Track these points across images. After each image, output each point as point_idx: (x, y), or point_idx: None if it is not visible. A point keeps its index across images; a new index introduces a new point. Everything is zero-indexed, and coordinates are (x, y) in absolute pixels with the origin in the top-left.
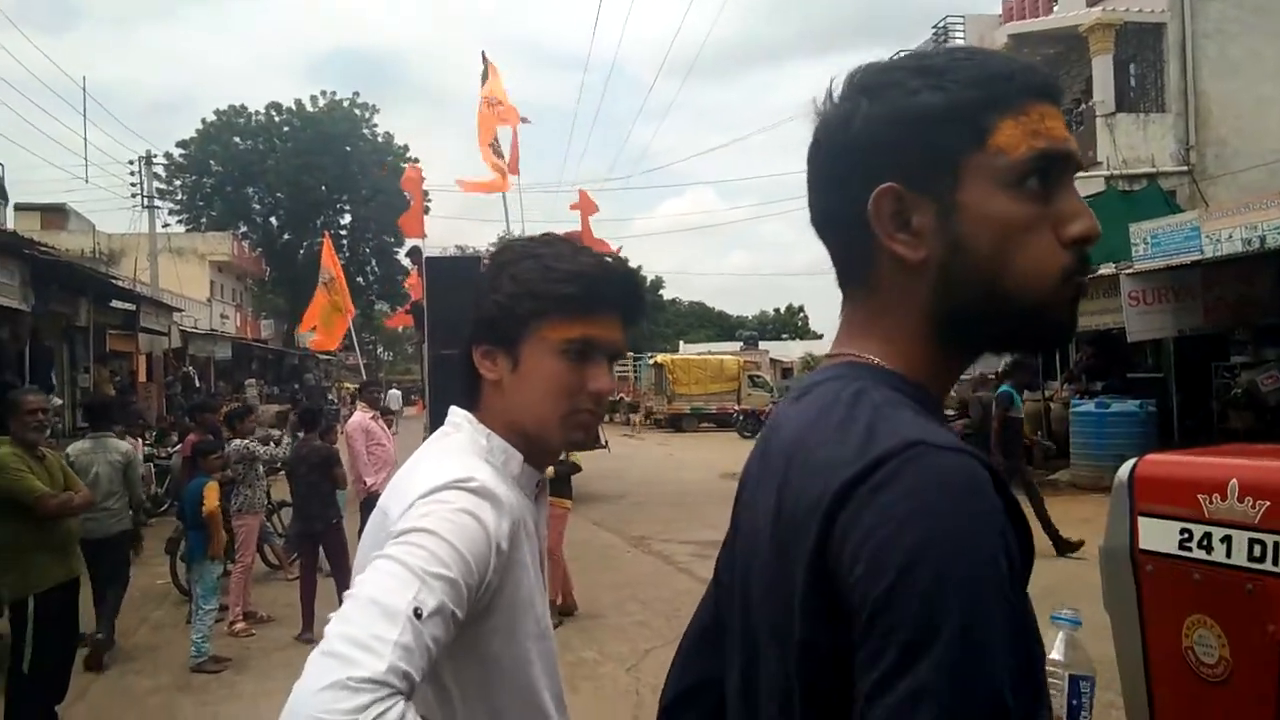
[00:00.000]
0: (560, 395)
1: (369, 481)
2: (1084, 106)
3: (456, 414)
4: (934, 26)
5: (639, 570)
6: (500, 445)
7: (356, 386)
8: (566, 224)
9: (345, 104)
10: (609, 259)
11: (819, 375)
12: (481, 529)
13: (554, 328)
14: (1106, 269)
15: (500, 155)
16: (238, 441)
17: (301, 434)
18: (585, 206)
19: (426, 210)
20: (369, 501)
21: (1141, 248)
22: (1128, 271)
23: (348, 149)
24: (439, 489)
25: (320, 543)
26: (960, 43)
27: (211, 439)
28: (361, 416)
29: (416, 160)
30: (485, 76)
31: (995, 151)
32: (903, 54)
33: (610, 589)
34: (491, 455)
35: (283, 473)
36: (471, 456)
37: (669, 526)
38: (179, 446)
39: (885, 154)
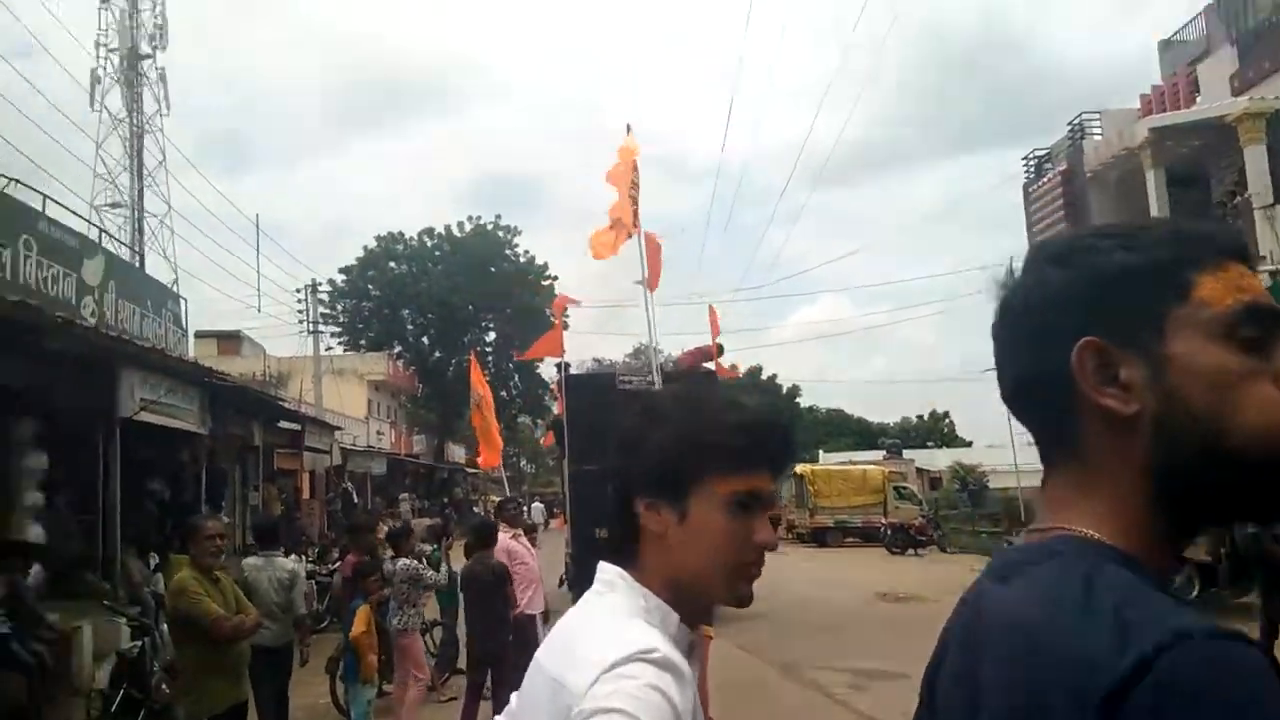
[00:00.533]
0: (730, 549)
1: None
2: (1239, 199)
3: (608, 570)
4: (1069, 124)
5: (792, 703)
6: (657, 605)
7: (496, 502)
8: (699, 335)
9: (489, 227)
10: (767, 407)
11: (1028, 554)
12: (670, 706)
13: (723, 480)
14: None
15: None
16: (403, 562)
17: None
18: (713, 323)
19: (566, 326)
20: (516, 624)
21: None
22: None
23: (492, 270)
24: (623, 662)
25: (492, 665)
26: (1098, 139)
27: (370, 559)
28: (503, 536)
29: (556, 277)
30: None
31: (1199, 304)
32: (1085, 230)
33: None
34: (650, 616)
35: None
36: (640, 621)
37: (822, 652)
38: (339, 564)
39: (1084, 312)
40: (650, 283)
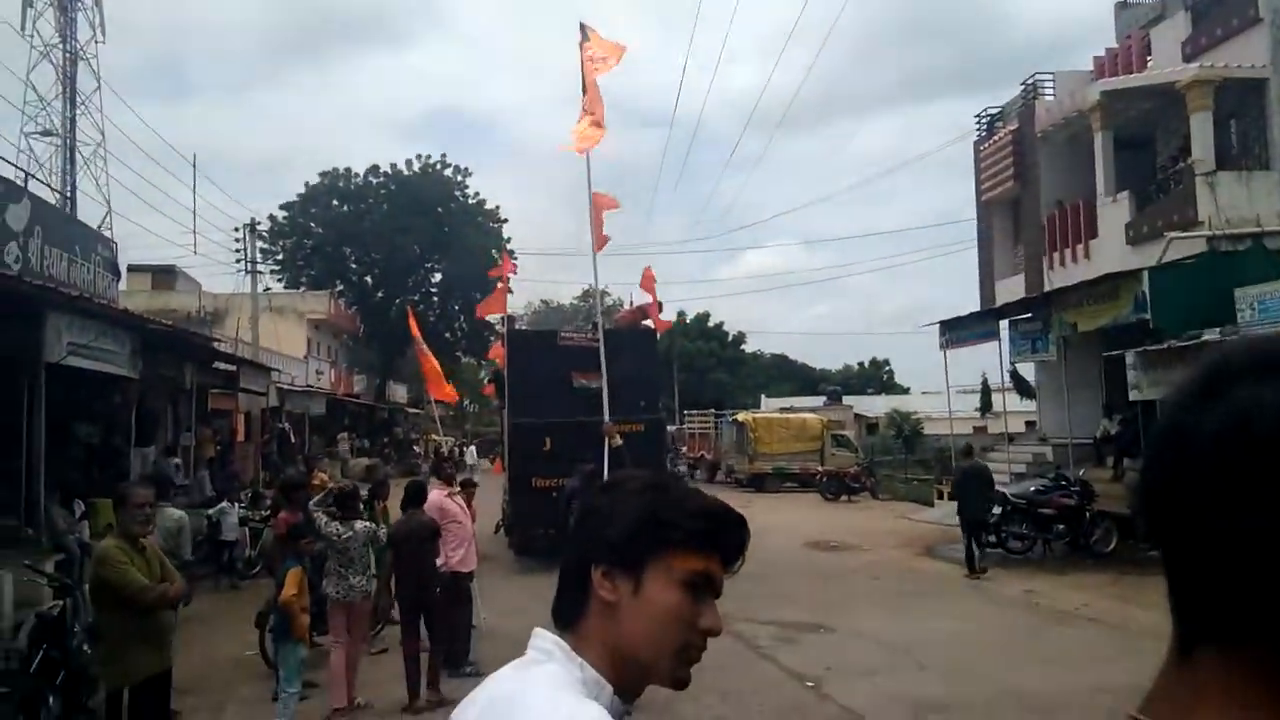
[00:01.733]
0: (679, 627)
1: (438, 561)
2: (1182, 164)
3: (545, 639)
4: (1023, 83)
5: (718, 653)
6: (594, 677)
7: (434, 455)
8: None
9: (438, 166)
10: (724, 504)
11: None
12: None
13: (682, 558)
14: (1210, 334)
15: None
16: (361, 524)
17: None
18: (649, 285)
19: (510, 291)
20: (447, 580)
21: (1248, 313)
22: (1233, 338)
23: (440, 210)
24: None
25: (424, 613)
26: (1050, 99)
27: (304, 520)
28: (438, 494)
29: (506, 220)
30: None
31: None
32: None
33: None
34: (587, 688)
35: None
36: (578, 693)
37: (749, 603)
38: (269, 515)
39: None
40: (596, 244)
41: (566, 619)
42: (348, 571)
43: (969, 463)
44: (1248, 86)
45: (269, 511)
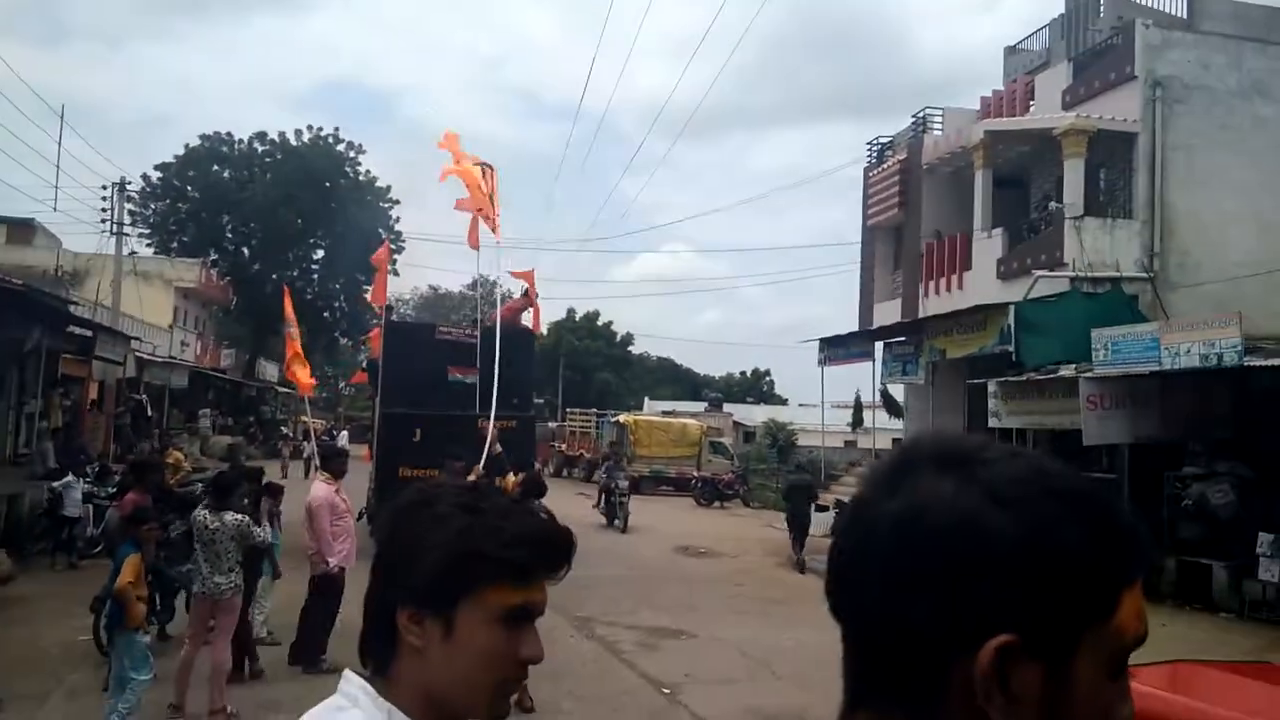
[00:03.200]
0: (497, 665)
1: (331, 561)
2: (1053, 207)
3: (352, 683)
4: (914, 116)
5: (579, 658)
6: None
7: (320, 453)
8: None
9: (330, 140)
10: (551, 520)
11: None
12: None
13: (498, 593)
14: (1067, 370)
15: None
16: (231, 516)
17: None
18: (530, 283)
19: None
20: (325, 580)
21: (1102, 353)
22: (1087, 375)
23: (328, 185)
24: None
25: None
26: (939, 134)
27: (146, 507)
28: (327, 490)
29: (398, 201)
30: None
31: None
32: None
33: (547, 679)
34: None
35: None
36: None
37: (616, 606)
38: (117, 493)
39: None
40: (470, 241)
41: (375, 659)
42: (212, 567)
43: (796, 476)
44: (1118, 139)
45: (116, 489)
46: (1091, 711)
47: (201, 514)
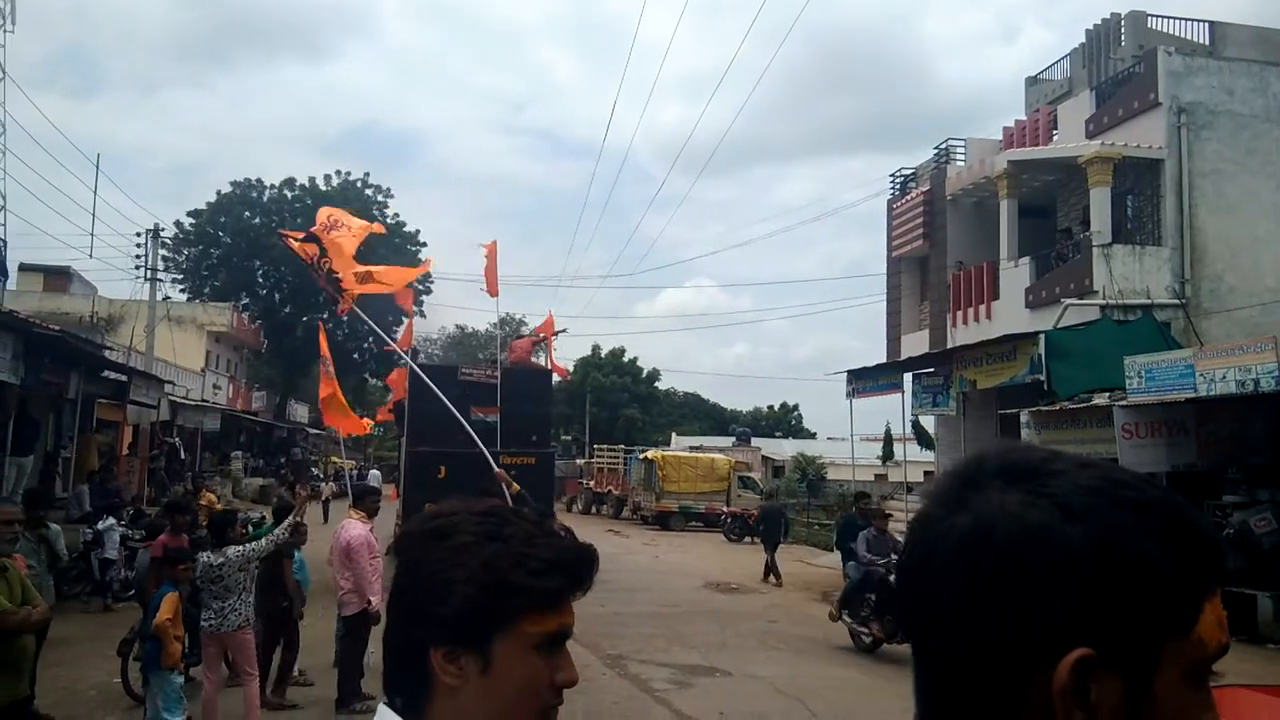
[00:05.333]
0: (537, 695)
1: (374, 601)
2: (1081, 235)
3: (386, 718)
4: (936, 148)
5: (613, 696)
6: None
7: (355, 488)
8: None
9: (358, 184)
10: (572, 537)
11: None
12: None
13: (531, 622)
14: (1100, 398)
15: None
16: (234, 550)
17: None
18: (548, 329)
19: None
20: (359, 620)
21: (1136, 381)
22: (1121, 404)
23: None
24: None
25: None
26: (961, 165)
27: (181, 548)
28: (362, 529)
29: (425, 244)
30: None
31: None
32: None
33: (581, 718)
34: None
35: None
36: None
37: (649, 644)
38: (147, 535)
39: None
40: (490, 287)
41: (405, 698)
42: (223, 602)
43: (769, 504)
44: (1144, 165)
45: (145, 532)
46: None
47: (205, 556)
